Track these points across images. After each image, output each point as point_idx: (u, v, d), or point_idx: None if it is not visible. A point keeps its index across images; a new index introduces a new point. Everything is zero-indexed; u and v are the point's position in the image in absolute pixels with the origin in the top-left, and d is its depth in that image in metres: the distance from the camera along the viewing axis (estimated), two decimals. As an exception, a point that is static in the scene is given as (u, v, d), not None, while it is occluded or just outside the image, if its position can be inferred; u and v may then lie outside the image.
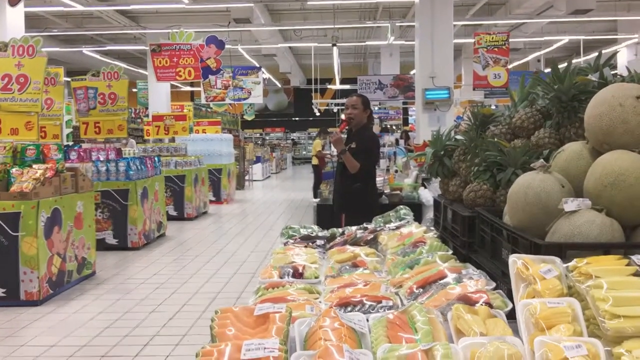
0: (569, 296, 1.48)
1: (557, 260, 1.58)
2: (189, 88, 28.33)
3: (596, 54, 2.43)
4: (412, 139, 13.79)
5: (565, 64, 2.41)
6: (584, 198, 1.75)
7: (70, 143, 11.71)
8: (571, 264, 1.54)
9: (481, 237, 2.27)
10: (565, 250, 1.65)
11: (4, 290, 5.66)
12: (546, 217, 1.80)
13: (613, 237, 1.67)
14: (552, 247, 1.67)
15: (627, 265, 1.51)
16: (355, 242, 2.70)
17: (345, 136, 5.13)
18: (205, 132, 15.96)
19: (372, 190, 4.98)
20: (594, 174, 1.78)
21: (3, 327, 5.10)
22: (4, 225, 5.63)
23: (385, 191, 6.08)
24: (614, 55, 2.64)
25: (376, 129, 15.60)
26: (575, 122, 2.24)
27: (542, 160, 1.94)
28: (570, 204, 1.72)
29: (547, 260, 1.58)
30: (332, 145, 5.25)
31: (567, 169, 1.93)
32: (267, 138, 35.41)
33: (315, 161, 14.15)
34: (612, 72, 2.38)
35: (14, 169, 6.06)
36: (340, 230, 2.95)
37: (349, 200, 4.92)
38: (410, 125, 22.83)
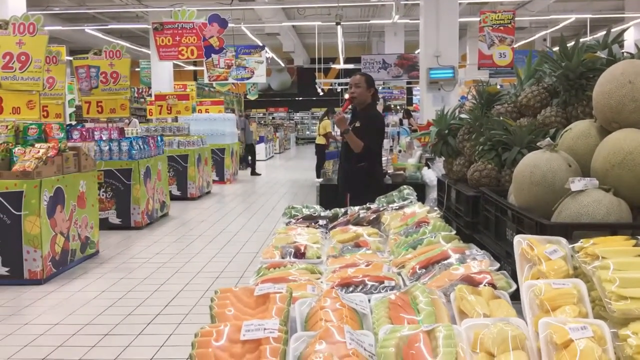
0: (575, 277, 1.46)
1: (563, 240, 1.55)
2: (191, 67, 28.20)
3: (603, 32, 2.38)
4: (415, 119, 13.69)
5: (573, 42, 2.35)
6: (591, 178, 1.72)
7: (73, 122, 11.67)
8: (577, 244, 1.51)
9: (485, 217, 2.24)
10: (571, 231, 1.62)
11: (7, 269, 5.67)
12: (552, 197, 1.76)
13: (620, 217, 1.64)
14: (558, 228, 1.64)
15: (635, 246, 1.48)
16: (358, 222, 2.68)
17: (350, 115, 5.09)
18: (208, 112, 15.90)
19: (377, 169, 4.94)
20: (601, 153, 1.74)
21: (7, 306, 5.12)
22: (6, 204, 5.63)
23: (388, 171, 6.05)
24: (623, 32, 2.58)
25: (379, 108, 15.51)
26: (582, 100, 2.19)
27: (548, 139, 1.91)
28: (577, 184, 1.69)
29: (553, 240, 1.55)
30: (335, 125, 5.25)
31: (574, 148, 1.89)
32: (273, 117, 35.32)
33: (319, 140, 14.08)
34: (621, 51, 2.33)
35: (16, 148, 6.04)
36: (342, 210, 2.93)
37: (354, 180, 4.89)
38: (414, 105, 22.70)
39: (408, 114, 15.27)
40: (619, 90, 1.76)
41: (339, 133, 5.32)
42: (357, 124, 4.84)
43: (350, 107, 5.06)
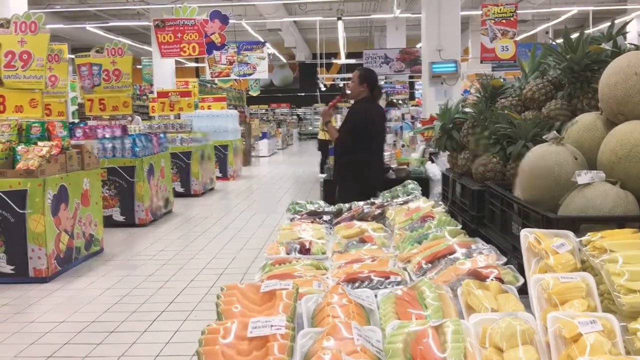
0: (583, 271, 1.45)
1: (570, 234, 1.55)
2: (193, 64, 28.17)
3: (606, 24, 2.36)
4: (418, 114, 13.61)
5: (577, 35, 2.34)
6: (598, 170, 1.71)
7: (76, 120, 11.69)
8: (585, 237, 1.50)
9: (491, 211, 2.23)
10: (578, 224, 1.61)
11: (12, 267, 5.69)
12: (559, 190, 1.75)
13: (628, 210, 1.63)
14: (565, 221, 1.63)
15: (643, 238, 1.47)
16: (363, 217, 2.67)
17: (333, 110, 5.29)
18: (210, 109, 15.89)
19: (361, 164, 4.91)
20: (608, 145, 1.73)
21: (12, 304, 5.13)
22: (10, 203, 5.64)
23: (392, 166, 6.04)
24: (626, 23, 2.55)
25: (382, 103, 15.45)
26: (588, 93, 2.18)
27: (554, 132, 1.89)
28: (583, 177, 1.68)
29: (560, 234, 1.55)
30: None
31: (580, 141, 1.88)
32: (275, 113, 35.26)
33: (322, 135, 14.05)
34: (625, 43, 2.31)
35: (19, 147, 6.05)
36: (346, 205, 2.92)
37: (338, 173, 5.07)
38: (417, 100, 22.65)
39: (393, 104, 15.06)
40: (624, 82, 1.75)
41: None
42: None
43: (342, 100, 5.18)
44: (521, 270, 1.61)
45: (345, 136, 4.90)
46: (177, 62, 18.55)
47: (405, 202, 2.72)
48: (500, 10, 11.49)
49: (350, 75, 5.85)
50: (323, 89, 30.48)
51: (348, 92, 5.24)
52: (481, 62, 12.41)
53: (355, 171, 4.85)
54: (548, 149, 1.83)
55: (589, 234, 1.50)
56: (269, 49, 19.85)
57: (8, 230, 5.65)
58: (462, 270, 1.70)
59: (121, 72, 9.31)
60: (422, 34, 11.35)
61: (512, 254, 1.88)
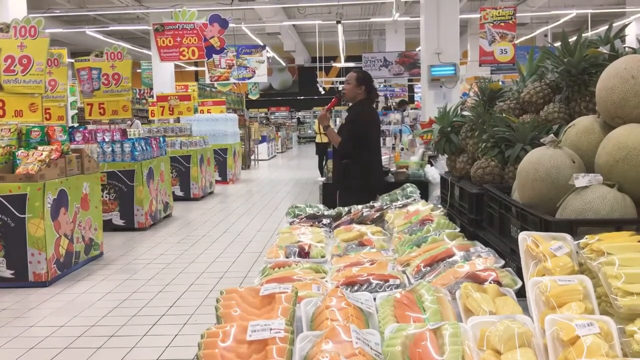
0: (580, 273, 1.46)
1: (568, 237, 1.55)
2: (193, 68, 28.20)
3: (604, 27, 2.37)
4: (418, 117, 13.62)
5: (575, 38, 2.35)
6: (595, 173, 1.72)
7: (76, 124, 11.69)
8: (582, 240, 1.51)
9: (489, 215, 2.24)
10: (576, 227, 1.62)
11: (12, 271, 5.69)
12: (556, 194, 1.76)
13: (625, 213, 1.63)
14: (563, 224, 1.64)
15: (640, 241, 1.47)
16: (362, 220, 2.68)
17: (330, 114, 5.24)
18: (210, 112, 15.90)
19: (363, 167, 4.91)
20: (605, 148, 1.73)
21: (12, 308, 5.13)
22: (10, 207, 5.64)
23: (391, 169, 6.04)
24: (624, 27, 2.56)
25: (380, 107, 15.48)
26: (585, 96, 2.19)
27: (552, 135, 1.90)
28: (581, 180, 1.68)
29: (558, 237, 1.55)
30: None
31: (577, 144, 1.89)
32: (272, 117, 35.30)
33: (319, 139, 14.05)
34: (623, 46, 2.32)
35: (19, 151, 6.05)
36: (346, 209, 2.93)
37: (340, 177, 5.01)
38: (416, 103, 22.67)
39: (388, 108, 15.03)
40: (622, 85, 1.76)
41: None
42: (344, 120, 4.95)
43: (341, 103, 5.15)
44: (519, 273, 1.62)
45: (349, 140, 4.88)
46: (176, 66, 18.58)
47: (404, 206, 2.73)
48: (499, 13, 11.51)
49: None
50: (322, 92, 30.48)
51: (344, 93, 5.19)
52: (480, 65, 12.44)
53: (359, 174, 4.85)
54: (546, 152, 1.84)
55: (586, 236, 1.51)
56: (268, 52, 19.84)
57: (8, 234, 5.65)
58: (461, 273, 1.70)
59: (120, 76, 9.32)
60: (421, 37, 11.37)
61: (510, 256, 1.89)
